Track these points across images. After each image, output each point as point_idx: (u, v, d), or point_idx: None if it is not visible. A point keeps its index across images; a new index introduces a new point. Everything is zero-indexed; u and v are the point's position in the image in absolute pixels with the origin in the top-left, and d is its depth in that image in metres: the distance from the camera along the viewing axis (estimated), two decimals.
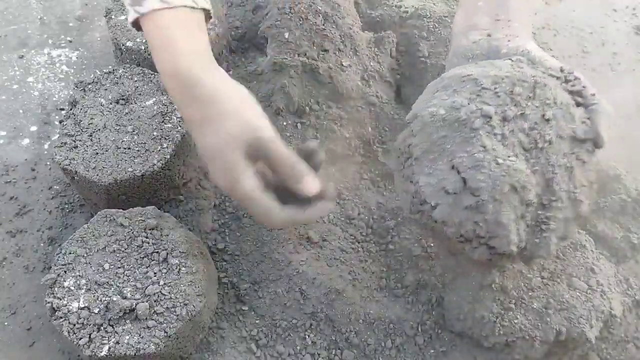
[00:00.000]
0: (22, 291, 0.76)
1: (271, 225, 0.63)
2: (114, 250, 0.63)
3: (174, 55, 0.55)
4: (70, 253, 0.63)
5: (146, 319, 0.59)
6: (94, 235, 0.64)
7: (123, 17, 0.89)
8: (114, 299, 0.59)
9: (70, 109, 0.75)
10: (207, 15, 0.61)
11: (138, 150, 0.70)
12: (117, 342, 0.57)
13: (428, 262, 0.72)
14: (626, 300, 0.72)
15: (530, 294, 0.65)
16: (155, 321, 0.59)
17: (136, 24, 0.58)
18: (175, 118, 0.73)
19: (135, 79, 0.77)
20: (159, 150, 0.70)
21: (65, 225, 0.81)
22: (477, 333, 0.65)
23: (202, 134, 0.57)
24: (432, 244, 0.73)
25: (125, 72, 0.78)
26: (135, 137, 0.72)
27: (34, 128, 0.93)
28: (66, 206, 0.83)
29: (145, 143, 0.71)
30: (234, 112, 0.56)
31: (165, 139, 0.71)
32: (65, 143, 0.71)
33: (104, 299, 0.59)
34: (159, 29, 0.56)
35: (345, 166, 0.83)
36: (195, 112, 0.57)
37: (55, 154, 0.70)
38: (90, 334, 0.58)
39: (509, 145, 0.52)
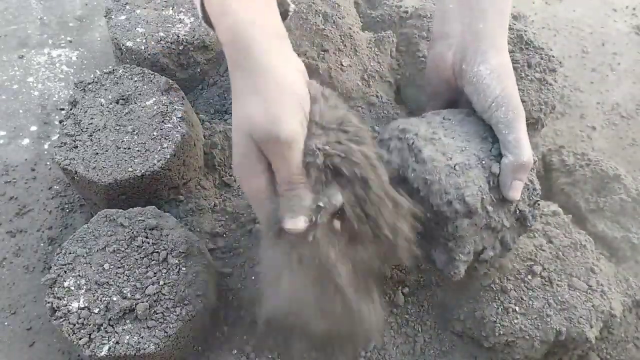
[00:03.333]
0: (22, 291, 0.76)
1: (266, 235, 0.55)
2: (114, 250, 0.63)
3: (233, 22, 0.50)
4: (70, 253, 0.63)
5: (146, 319, 0.59)
6: (94, 235, 0.64)
7: (123, 17, 0.89)
8: (114, 299, 0.59)
9: (70, 109, 0.75)
10: None
11: (138, 150, 0.70)
12: (117, 342, 0.57)
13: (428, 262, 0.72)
14: (626, 300, 0.72)
15: (530, 294, 0.65)
16: (155, 321, 0.59)
17: (206, 19, 0.54)
18: (175, 118, 0.73)
19: (135, 79, 0.77)
20: (159, 150, 0.70)
21: (65, 225, 0.82)
22: (477, 333, 0.65)
23: (234, 107, 0.52)
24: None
25: (125, 72, 0.78)
26: (135, 137, 0.72)
27: (34, 128, 0.93)
28: (66, 206, 0.83)
29: (145, 143, 0.71)
30: (265, 94, 0.49)
31: (165, 139, 0.71)
32: (65, 143, 0.71)
33: (104, 299, 0.59)
34: (219, 3, 0.51)
35: None
36: (236, 81, 0.52)
37: (55, 154, 0.70)
38: (90, 334, 0.58)
39: None
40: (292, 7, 0.60)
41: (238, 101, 0.51)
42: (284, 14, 0.59)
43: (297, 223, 0.50)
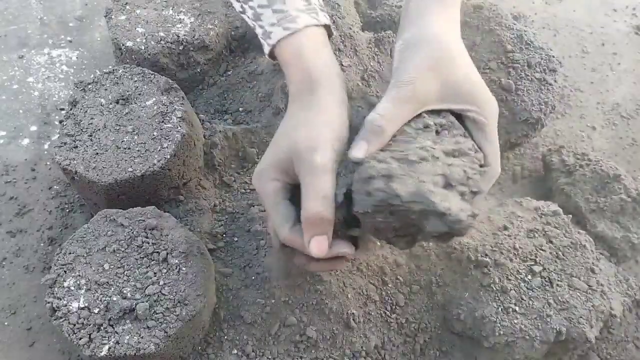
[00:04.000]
0: (22, 291, 0.76)
1: (279, 236, 0.56)
2: (114, 250, 0.63)
3: (305, 67, 0.58)
4: (70, 253, 0.63)
5: (146, 319, 0.59)
6: (94, 235, 0.64)
7: (123, 17, 0.89)
8: (114, 299, 0.59)
9: (70, 109, 0.75)
10: (329, 30, 0.63)
11: (138, 150, 0.70)
12: (117, 342, 0.57)
13: (428, 262, 0.72)
14: (626, 300, 0.72)
15: (530, 294, 0.65)
16: (155, 321, 0.59)
17: (272, 55, 0.63)
18: (175, 118, 0.73)
19: (135, 79, 0.77)
20: (159, 150, 0.70)
21: (65, 225, 0.82)
22: (477, 333, 0.65)
23: (283, 122, 0.59)
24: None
25: (125, 72, 0.78)
26: (135, 137, 0.72)
27: (34, 128, 0.93)
28: (66, 206, 0.83)
29: (145, 143, 0.71)
30: (310, 124, 0.55)
31: (165, 139, 0.71)
32: (65, 143, 0.71)
33: (104, 299, 0.59)
34: (289, 54, 0.60)
35: None
36: (293, 109, 0.58)
37: (55, 154, 0.70)
38: (90, 334, 0.58)
39: None
40: (333, 35, 0.65)
41: (290, 123, 0.57)
42: (328, 30, 0.64)
43: (321, 246, 0.52)
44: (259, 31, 0.62)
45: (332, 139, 0.53)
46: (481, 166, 0.54)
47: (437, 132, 0.54)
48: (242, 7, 0.64)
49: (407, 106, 0.53)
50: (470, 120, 0.55)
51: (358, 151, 0.51)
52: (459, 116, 0.56)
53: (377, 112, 0.52)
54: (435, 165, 0.50)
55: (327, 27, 0.63)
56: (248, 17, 0.64)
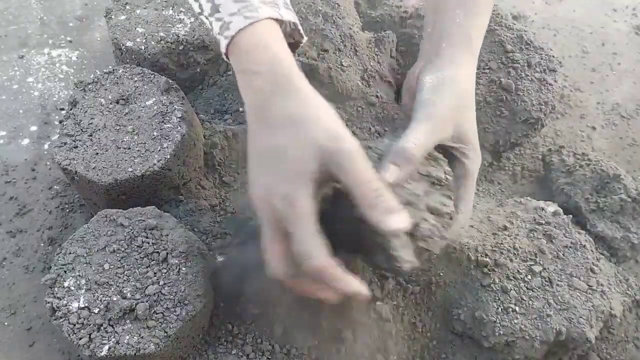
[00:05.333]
0: (22, 291, 0.76)
1: (306, 265, 0.49)
2: (114, 250, 0.63)
3: (271, 55, 0.53)
4: (70, 253, 0.63)
5: (146, 319, 0.59)
6: (94, 235, 0.64)
7: (123, 17, 0.89)
8: (114, 299, 0.59)
9: (70, 109, 0.75)
10: (296, 34, 0.60)
11: (138, 150, 0.70)
12: (117, 342, 0.57)
13: (428, 262, 0.72)
14: (626, 300, 0.72)
15: (530, 294, 0.65)
16: (155, 321, 0.59)
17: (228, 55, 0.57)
18: (175, 118, 0.73)
19: (135, 79, 0.77)
20: (159, 150, 0.70)
21: (65, 225, 0.82)
22: (477, 333, 0.65)
23: (281, 130, 0.51)
24: None
25: (125, 72, 0.78)
26: (135, 137, 0.72)
27: (34, 128, 0.93)
28: (66, 206, 0.83)
29: (145, 143, 0.71)
30: (320, 119, 0.51)
31: (165, 139, 0.71)
32: (65, 143, 0.71)
33: (104, 299, 0.59)
34: (250, 42, 0.54)
35: None
36: (282, 107, 0.52)
37: (55, 154, 0.70)
38: (90, 334, 0.58)
39: None
40: (304, 39, 0.62)
41: (292, 126, 0.51)
42: (294, 45, 0.62)
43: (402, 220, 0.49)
44: (215, 26, 0.56)
45: (339, 122, 0.52)
46: (451, 218, 0.57)
47: (433, 184, 0.56)
48: (199, 6, 0.59)
49: (434, 139, 0.57)
50: (459, 163, 0.61)
51: (392, 174, 0.52)
52: (452, 155, 0.61)
53: (411, 141, 0.55)
54: (414, 214, 0.53)
55: (292, 30, 0.60)
56: (205, 16, 0.58)
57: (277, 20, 0.55)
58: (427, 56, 0.65)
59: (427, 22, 0.69)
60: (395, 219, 0.49)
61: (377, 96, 0.87)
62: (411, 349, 0.68)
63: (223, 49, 0.56)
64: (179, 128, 0.72)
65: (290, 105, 0.52)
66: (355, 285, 0.51)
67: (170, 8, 0.90)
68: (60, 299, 0.59)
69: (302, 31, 0.60)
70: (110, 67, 0.79)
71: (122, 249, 0.63)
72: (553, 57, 0.87)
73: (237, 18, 0.54)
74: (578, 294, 0.65)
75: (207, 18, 0.57)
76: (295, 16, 0.59)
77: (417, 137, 0.55)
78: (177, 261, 0.62)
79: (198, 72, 0.91)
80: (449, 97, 0.59)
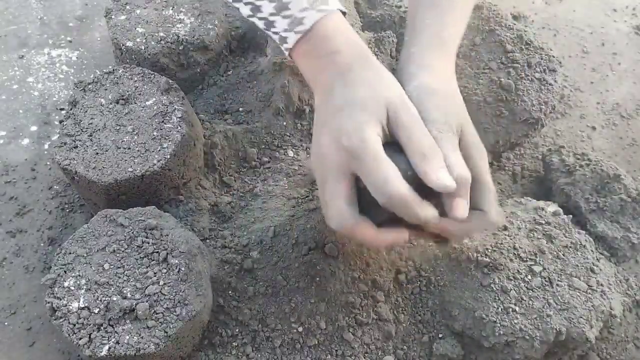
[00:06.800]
0: (22, 291, 0.76)
1: (385, 190, 0.50)
2: (114, 250, 0.63)
3: (348, 38, 0.58)
4: (70, 253, 0.63)
5: (146, 319, 0.59)
6: (94, 235, 0.64)
7: (123, 17, 0.89)
8: (114, 299, 0.59)
9: (70, 109, 0.75)
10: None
11: (138, 150, 0.70)
12: (117, 342, 0.57)
13: (429, 262, 0.72)
14: (626, 300, 0.72)
15: (530, 294, 0.65)
16: (155, 321, 0.59)
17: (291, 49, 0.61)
18: (175, 118, 0.73)
19: (135, 79, 0.77)
20: (159, 150, 0.70)
21: (65, 225, 0.82)
22: (477, 333, 0.65)
23: (355, 86, 0.55)
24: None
25: (125, 72, 0.78)
26: (135, 137, 0.72)
27: (34, 128, 0.93)
28: (66, 206, 0.83)
29: (145, 143, 0.71)
30: (389, 85, 0.56)
31: (165, 139, 0.71)
32: (65, 143, 0.71)
33: (104, 299, 0.59)
34: (331, 29, 0.59)
35: None
36: (361, 73, 0.56)
37: (55, 154, 0.70)
38: (90, 334, 0.58)
39: None
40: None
41: (368, 86, 0.55)
42: None
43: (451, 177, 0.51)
44: (282, 23, 0.60)
45: (396, 87, 0.57)
46: None
47: None
48: (254, 8, 0.62)
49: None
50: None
51: (465, 211, 0.53)
52: None
53: (460, 170, 0.53)
54: None
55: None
56: (263, 17, 0.61)
57: (342, 12, 0.61)
58: (402, 64, 0.63)
59: (405, 30, 0.67)
60: (445, 175, 0.51)
61: None
62: (411, 349, 0.68)
63: (290, 44, 0.60)
64: (179, 128, 0.72)
65: (369, 74, 0.56)
66: (432, 211, 0.52)
67: (170, 8, 0.90)
68: (60, 299, 0.59)
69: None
70: (110, 67, 0.79)
71: (122, 249, 0.63)
72: (553, 57, 0.87)
73: (310, 12, 0.58)
74: (578, 294, 0.65)
75: (265, 19, 0.61)
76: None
77: (458, 159, 0.55)
78: (177, 261, 0.62)
79: (198, 72, 0.91)
80: (434, 104, 0.57)
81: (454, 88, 0.62)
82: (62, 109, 0.95)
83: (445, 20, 0.64)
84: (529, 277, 0.66)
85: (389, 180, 0.50)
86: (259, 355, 0.66)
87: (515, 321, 0.63)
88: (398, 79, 0.59)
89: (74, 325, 0.58)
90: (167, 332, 0.58)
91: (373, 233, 0.53)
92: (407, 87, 0.59)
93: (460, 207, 0.53)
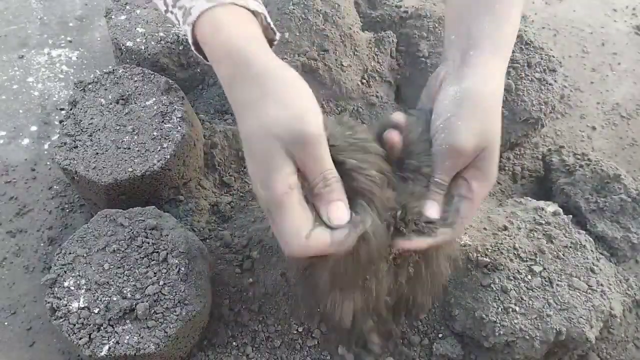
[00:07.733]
0: (22, 291, 0.76)
1: (288, 251, 0.50)
2: (114, 250, 0.63)
3: (226, 38, 0.51)
4: (70, 253, 0.63)
5: (146, 319, 0.59)
6: (94, 235, 0.64)
7: (123, 17, 0.89)
8: (114, 299, 0.59)
9: (70, 109, 0.75)
10: (267, 31, 0.58)
11: (138, 150, 0.70)
12: (117, 342, 0.57)
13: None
14: (626, 300, 0.72)
15: (530, 294, 0.65)
16: (155, 321, 0.59)
17: (195, 44, 0.55)
18: (175, 118, 0.73)
19: (135, 79, 0.77)
20: (159, 150, 0.70)
21: (65, 225, 0.82)
22: (477, 333, 0.65)
23: (243, 118, 0.51)
24: None
25: (125, 72, 0.78)
26: (135, 137, 0.72)
27: (34, 128, 0.93)
28: (66, 206, 0.83)
29: (145, 143, 0.71)
30: (281, 96, 0.49)
31: (165, 139, 0.71)
32: (65, 143, 0.71)
33: (104, 299, 0.59)
34: (211, 25, 0.52)
35: None
36: (241, 93, 0.51)
37: (55, 154, 0.70)
38: (90, 334, 0.58)
39: None
40: (277, 35, 0.60)
41: (250, 110, 0.50)
42: (269, 43, 0.59)
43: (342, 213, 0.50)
44: (179, 14, 0.54)
45: (309, 103, 0.50)
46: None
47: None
48: (164, 2, 0.57)
49: (455, 171, 0.57)
50: (465, 182, 0.57)
51: (436, 212, 0.55)
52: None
53: (439, 177, 0.55)
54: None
55: (264, 23, 0.57)
56: (170, 10, 0.56)
57: (252, 11, 0.54)
58: (453, 63, 0.61)
59: (449, 28, 0.64)
60: (334, 212, 0.50)
61: (377, 96, 0.87)
62: (411, 349, 0.68)
63: (190, 39, 0.54)
64: (179, 128, 0.72)
65: (249, 89, 0.50)
66: (345, 237, 0.50)
67: None
68: (60, 299, 0.59)
69: (273, 26, 0.59)
70: (110, 67, 0.79)
71: (122, 249, 0.63)
72: (553, 57, 0.87)
73: (199, 2, 0.52)
74: (578, 294, 0.65)
75: (171, 12, 0.56)
76: (265, 9, 0.57)
77: (442, 177, 0.56)
78: (177, 261, 0.62)
79: (198, 72, 0.91)
80: (473, 118, 0.55)
81: (500, 93, 0.59)
82: (62, 109, 0.95)
83: (503, 29, 0.61)
84: (529, 277, 0.66)
85: (288, 242, 0.49)
86: (259, 355, 0.66)
87: (515, 321, 0.63)
88: (440, 79, 0.58)
89: (74, 325, 0.58)
90: (167, 332, 0.58)
91: (327, 243, 0.49)
92: (454, 87, 0.57)
93: (433, 210, 0.55)
